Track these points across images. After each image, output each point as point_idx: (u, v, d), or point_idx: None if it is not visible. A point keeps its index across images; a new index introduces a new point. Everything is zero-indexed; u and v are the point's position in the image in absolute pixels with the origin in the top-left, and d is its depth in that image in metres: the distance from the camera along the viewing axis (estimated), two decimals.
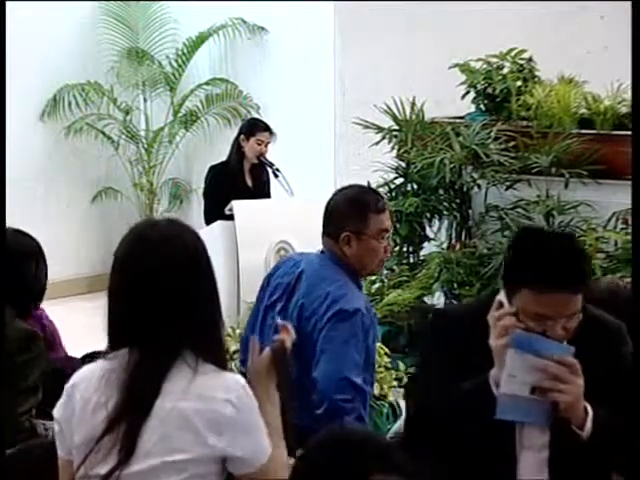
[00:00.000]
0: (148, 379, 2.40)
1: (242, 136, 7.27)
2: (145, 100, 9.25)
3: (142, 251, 2.47)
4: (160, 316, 2.42)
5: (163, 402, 2.39)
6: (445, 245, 6.96)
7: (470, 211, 6.99)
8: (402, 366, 5.65)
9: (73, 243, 9.14)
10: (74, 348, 4.11)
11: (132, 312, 2.45)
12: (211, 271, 2.50)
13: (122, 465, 2.37)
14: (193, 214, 9.19)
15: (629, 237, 6.05)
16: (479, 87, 7.00)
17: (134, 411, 2.39)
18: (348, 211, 3.67)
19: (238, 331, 5.41)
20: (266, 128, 7.31)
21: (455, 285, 6.76)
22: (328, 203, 3.75)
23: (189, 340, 2.43)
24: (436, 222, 7.12)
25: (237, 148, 7.28)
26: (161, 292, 2.42)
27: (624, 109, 6.51)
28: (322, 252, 3.72)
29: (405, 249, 7.17)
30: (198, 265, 2.48)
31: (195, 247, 2.50)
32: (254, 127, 7.35)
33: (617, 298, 3.30)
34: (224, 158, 7.43)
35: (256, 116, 8.59)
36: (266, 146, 7.24)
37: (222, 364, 2.46)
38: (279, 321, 2.92)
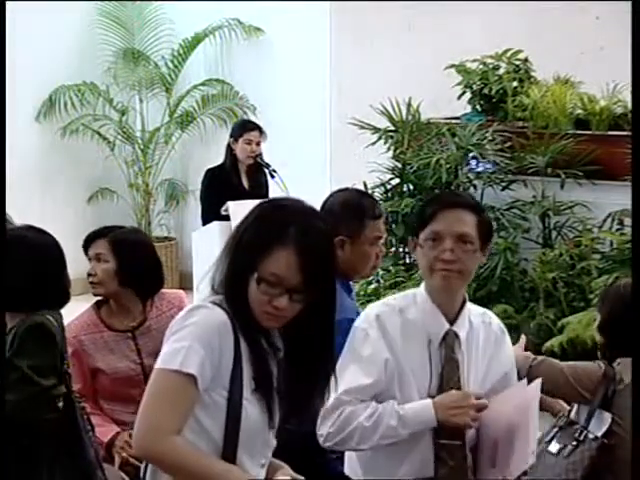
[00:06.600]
0: None
1: (231, 139, 7.23)
2: (141, 101, 9.24)
3: None
4: None
5: None
6: None
7: None
8: None
9: (69, 244, 9.09)
10: None
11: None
12: None
13: None
14: (189, 215, 9.19)
15: (624, 238, 6.05)
16: (475, 88, 7.01)
17: None
18: (343, 215, 3.54)
19: None
20: (254, 127, 7.23)
21: None
22: (322, 206, 3.60)
23: None
24: None
25: (229, 152, 7.25)
26: None
27: (620, 110, 6.52)
28: None
29: (401, 250, 7.17)
30: None
31: None
32: (241, 128, 7.29)
33: None
34: (220, 159, 7.39)
35: (252, 117, 8.58)
36: (257, 145, 7.15)
37: None
38: None
